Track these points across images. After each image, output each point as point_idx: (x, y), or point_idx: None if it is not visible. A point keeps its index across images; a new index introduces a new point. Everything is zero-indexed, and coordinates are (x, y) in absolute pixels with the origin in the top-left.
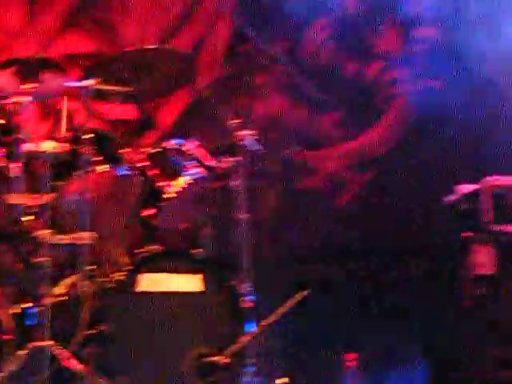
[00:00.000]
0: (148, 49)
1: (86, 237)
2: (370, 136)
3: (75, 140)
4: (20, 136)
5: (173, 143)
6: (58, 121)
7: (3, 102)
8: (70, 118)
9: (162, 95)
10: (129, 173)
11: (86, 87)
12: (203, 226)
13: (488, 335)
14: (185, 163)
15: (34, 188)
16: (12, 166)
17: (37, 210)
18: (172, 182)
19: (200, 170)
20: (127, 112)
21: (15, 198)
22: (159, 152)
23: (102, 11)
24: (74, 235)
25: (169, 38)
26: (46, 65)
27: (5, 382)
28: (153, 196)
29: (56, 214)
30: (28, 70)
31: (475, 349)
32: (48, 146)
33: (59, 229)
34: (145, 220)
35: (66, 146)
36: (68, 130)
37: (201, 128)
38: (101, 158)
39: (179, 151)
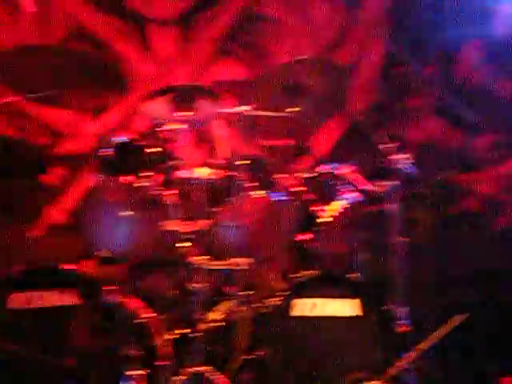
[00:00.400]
0: (301, 60)
1: (241, 262)
2: None
3: (230, 166)
4: (175, 163)
5: (328, 168)
6: (212, 147)
7: (159, 129)
8: (224, 144)
9: (317, 119)
10: (284, 198)
11: (240, 113)
12: (359, 250)
13: None
14: (340, 187)
15: (189, 214)
16: (167, 193)
17: (192, 236)
18: (327, 207)
19: (355, 194)
20: (282, 137)
21: (171, 225)
22: (314, 177)
23: (255, 37)
24: (230, 261)
25: None
26: (200, 92)
27: None
28: (308, 221)
29: (211, 240)
30: (182, 97)
31: None
32: (203, 172)
33: (215, 255)
34: (300, 245)
35: (221, 173)
36: (223, 156)
37: (355, 152)
38: (256, 183)
39: (334, 176)
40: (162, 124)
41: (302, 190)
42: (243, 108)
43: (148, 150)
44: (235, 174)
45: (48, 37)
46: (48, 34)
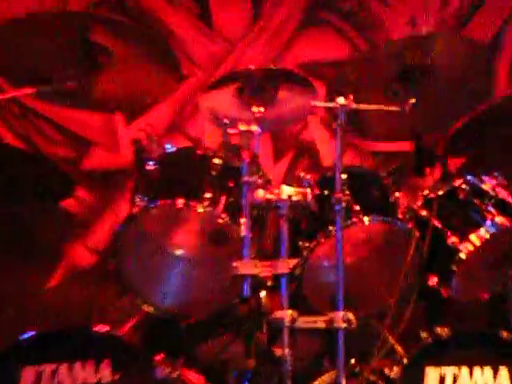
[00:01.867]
0: (424, 35)
1: (343, 318)
2: None
3: (324, 183)
4: (248, 179)
5: (468, 181)
6: (298, 157)
7: (224, 132)
8: (315, 152)
9: (449, 114)
10: (402, 226)
11: (338, 108)
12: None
13: None
14: (483, 209)
15: (267, 252)
16: (241, 221)
17: (273, 282)
18: (466, 237)
19: (504, 218)
20: (398, 140)
21: (244, 267)
22: (447, 195)
23: (360, 2)
24: (327, 316)
25: None
26: (278, 79)
27: None
28: (439, 256)
29: (302, 287)
30: (255, 86)
31: None
32: (286, 192)
33: (306, 307)
34: (428, 290)
35: (312, 192)
36: (312, 169)
37: (501, 161)
38: (361, 206)
39: (475, 192)
40: (228, 125)
41: (430, 213)
42: (342, 100)
43: (213, 162)
44: (332, 193)
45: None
46: None
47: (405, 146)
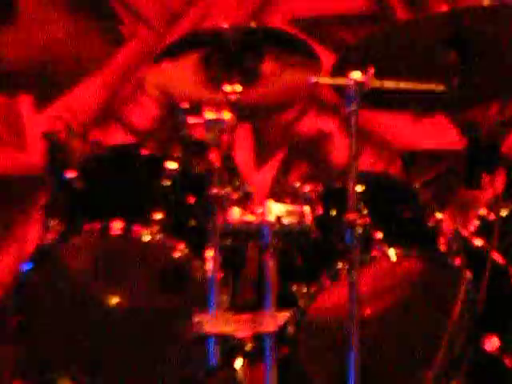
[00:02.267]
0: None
1: None
2: None
3: (329, 198)
4: (218, 193)
5: None
6: (291, 159)
7: (182, 123)
8: (316, 152)
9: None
10: (447, 263)
11: (353, 87)
12: None
13: None
14: None
15: (246, 301)
16: (207, 254)
17: (254, 346)
18: None
19: None
20: (439, 137)
21: (211, 324)
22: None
23: None
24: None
25: None
26: (263, 43)
27: None
28: (501, 307)
29: (298, 354)
30: (228, 55)
31: None
32: (274, 211)
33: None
34: (485, 359)
35: (312, 211)
36: (313, 177)
37: None
38: (385, 233)
39: None
40: (192, 111)
41: (489, 243)
42: (358, 75)
43: (166, 166)
44: (351, 214)
45: None
46: None
47: (451, 142)
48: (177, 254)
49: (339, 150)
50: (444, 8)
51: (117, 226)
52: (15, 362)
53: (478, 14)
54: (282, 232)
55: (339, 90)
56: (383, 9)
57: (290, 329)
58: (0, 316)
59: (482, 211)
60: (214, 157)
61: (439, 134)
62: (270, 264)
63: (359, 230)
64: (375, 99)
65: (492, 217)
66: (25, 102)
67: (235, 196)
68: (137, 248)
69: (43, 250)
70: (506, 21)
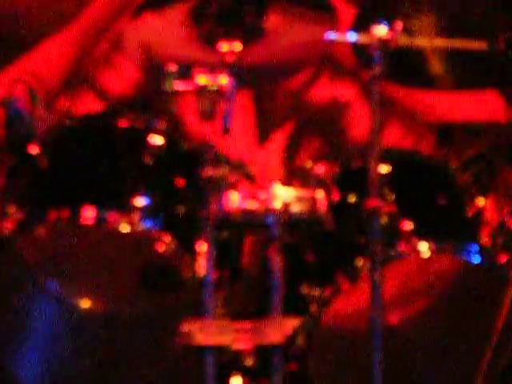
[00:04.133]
0: None
1: None
2: None
3: (347, 180)
4: (212, 174)
5: None
6: (301, 133)
7: (169, 89)
8: (331, 125)
9: None
10: (490, 261)
11: (377, 45)
12: None
13: None
14: None
15: (246, 305)
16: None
17: (256, 360)
18: None
19: None
20: (481, 107)
21: (204, 333)
22: None
23: None
24: None
25: None
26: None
27: None
28: None
29: (309, 369)
30: (223, 6)
31: None
32: (281, 196)
33: None
34: None
35: (326, 197)
36: (328, 155)
37: None
38: (415, 224)
39: None
40: (181, 75)
41: None
42: (382, 31)
43: (149, 141)
44: (373, 200)
45: None
46: None
47: (493, 112)
48: (162, 248)
49: (359, 123)
50: None
51: (88, 214)
52: None
53: None
54: (291, 222)
55: (359, 49)
56: None
57: (300, 340)
58: None
59: None
60: (208, 130)
61: (482, 105)
62: (276, 261)
63: (384, 220)
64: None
65: None
66: None
67: (233, 178)
68: (113, 240)
69: (0, 243)
70: None
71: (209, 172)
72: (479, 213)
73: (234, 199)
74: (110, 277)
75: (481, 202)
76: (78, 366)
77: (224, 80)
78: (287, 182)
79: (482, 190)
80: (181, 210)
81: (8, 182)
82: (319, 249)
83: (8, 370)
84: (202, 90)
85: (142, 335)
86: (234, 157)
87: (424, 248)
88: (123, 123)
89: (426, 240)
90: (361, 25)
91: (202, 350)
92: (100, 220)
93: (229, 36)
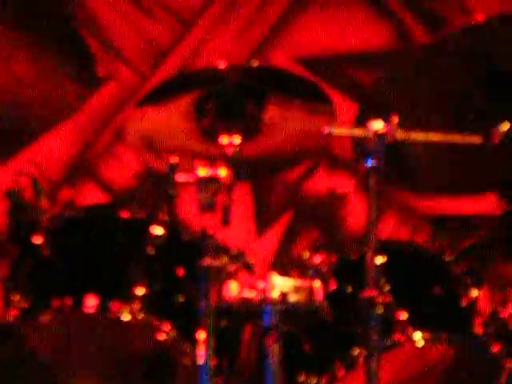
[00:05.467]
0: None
1: None
2: None
3: (344, 271)
4: (211, 264)
5: None
6: (298, 225)
7: (169, 181)
8: (329, 217)
9: None
10: (484, 349)
11: (374, 139)
12: None
13: None
14: None
15: None
16: (198, 336)
17: None
18: None
19: None
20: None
21: None
22: None
23: None
24: None
25: None
26: (265, 85)
27: None
28: None
29: None
30: (225, 99)
31: None
32: (279, 286)
33: None
34: None
35: (323, 287)
36: (325, 246)
37: None
38: (410, 313)
39: None
40: (181, 167)
41: None
42: (379, 126)
43: (150, 232)
44: (370, 290)
45: None
46: None
47: (487, 205)
48: (162, 337)
49: (356, 215)
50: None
51: (91, 303)
52: None
53: None
54: (288, 312)
55: (357, 142)
56: (405, 40)
57: None
58: None
59: None
60: (208, 221)
61: (473, 196)
62: (273, 350)
63: (380, 310)
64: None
65: None
66: None
67: (232, 268)
68: (115, 329)
69: (4, 330)
70: None
71: (208, 262)
72: (473, 303)
73: (233, 288)
74: (111, 364)
75: (474, 292)
76: None
77: (224, 172)
78: (285, 272)
79: (476, 280)
80: (180, 299)
81: (12, 271)
82: (316, 338)
83: None
84: (202, 182)
85: None
86: (232, 247)
87: (418, 337)
88: (125, 214)
89: (421, 329)
90: (361, 120)
91: None
92: (102, 308)
93: (228, 129)
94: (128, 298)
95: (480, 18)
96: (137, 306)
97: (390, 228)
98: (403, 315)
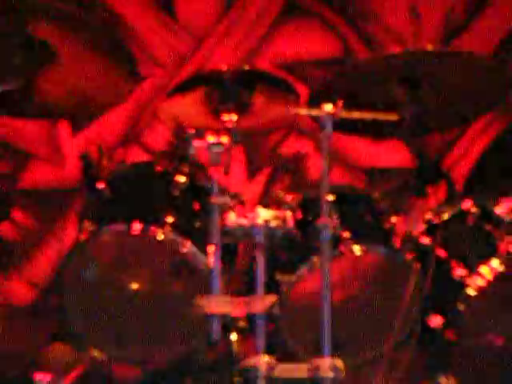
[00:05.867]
0: (429, 53)
1: (329, 366)
2: None
3: (307, 205)
4: (217, 201)
5: (476, 202)
6: (276, 174)
7: (189, 145)
8: (296, 168)
9: (452, 126)
10: (400, 257)
11: (325, 117)
12: None
13: None
14: (496, 237)
15: (240, 287)
16: (209, 250)
17: (246, 323)
18: (475, 269)
19: None
20: (394, 156)
21: (212, 305)
22: (453, 219)
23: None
24: (311, 363)
25: (455, 35)
26: (254, 81)
27: None
28: (443, 292)
29: (281, 329)
30: (226, 90)
31: None
32: (263, 216)
33: (286, 353)
34: (430, 333)
35: (293, 216)
36: (294, 188)
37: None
38: (351, 233)
39: (486, 216)
40: (197, 136)
41: (433, 242)
42: (329, 108)
43: (176, 180)
44: (314, 217)
45: None
46: None
47: (403, 161)
48: (185, 250)
49: (314, 167)
50: (396, 49)
51: (137, 227)
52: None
53: (427, 56)
54: (269, 233)
55: (315, 118)
56: (347, 50)
57: (275, 310)
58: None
59: (428, 215)
60: (215, 172)
61: (395, 155)
62: (260, 258)
63: (330, 231)
64: (344, 126)
65: (436, 220)
66: (64, 128)
67: (231, 203)
68: (153, 245)
69: (78, 246)
70: (450, 63)
71: (215, 199)
72: (393, 226)
73: (232, 217)
74: (150, 268)
75: (394, 219)
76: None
77: (225, 139)
78: (267, 206)
79: (395, 211)
80: (197, 224)
81: (84, 206)
82: (288, 250)
83: None
84: (211, 146)
85: (171, 307)
86: (231, 189)
87: (356, 249)
88: (159, 168)
89: (358, 244)
90: (315, 102)
91: (211, 316)
92: (144, 231)
93: (228, 110)
94: (161, 223)
95: (396, 49)
96: (167, 229)
97: (337, 176)
98: (346, 234)
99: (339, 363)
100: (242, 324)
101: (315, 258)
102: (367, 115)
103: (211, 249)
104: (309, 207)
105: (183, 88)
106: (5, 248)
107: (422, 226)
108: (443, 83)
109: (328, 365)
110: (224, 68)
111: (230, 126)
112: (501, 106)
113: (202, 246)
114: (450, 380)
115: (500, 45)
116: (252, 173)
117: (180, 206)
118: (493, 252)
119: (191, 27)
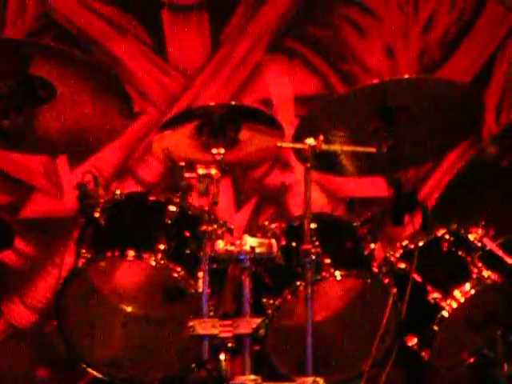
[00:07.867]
0: (407, 80)
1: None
2: None
3: (291, 233)
4: (207, 229)
5: (450, 230)
6: (262, 204)
7: (180, 177)
8: (281, 199)
9: (427, 159)
10: (378, 281)
11: (307, 149)
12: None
13: None
14: (469, 262)
15: (228, 310)
16: (199, 275)
17: (234, 343)
18: (449, 293)
19: (492, 272)
20: (373, 187)
21: (202, 327)
22: (428, 245)
23: (334, 32)
24: (295, 382)
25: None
26: (241, 117)
27: None
28: (419, 314)
29: (267, 349)
30: (215, 125)
31: None
32: (249, 243)
33: (271, 372)
34: (407, 353)
35: (277, 243)
36: (278, 217)
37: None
38: (332, 259)
39: (459, 243)
40: (188, 168)
41: (409, 267)
42: (311, 141)
43: (168, 209)
44: (300, 244)
45: None
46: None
47: (381, 191)
48: (176, 275)
49: (297, 197)
50: (374, 81)
51: (131, 254)
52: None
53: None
54: (255, 259)
55: (298, 151)
56: (328, 88)
57: (261, 331)
58: (44, 322)
59: (405, 242)
60: (204, 202)
61: (373, 185)
62: (246, 282)
63: (313, 257)
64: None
65: (412, 246)
66: (62, 162)
67: (220, 231)
68: (146, 270)
69: (75, 272)
70: (425, 92)
71: (205, 227)
72: (372, 252)
73: (220, 244)
74: (143, 292)
75: (372, 245)
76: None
77: (214, 171)
78: (253, 234)
79: (373, 238)
80: (187, 251)
81: (81, 234)
82: (273, 275)
83: None
84: (200, 177)
85: (164, 328)
86: (220, 218)
87: (337, 274)
88: (152, 198)
89: (339, 269)
90: (299, 135)
91: (201, 337)
92: (137, 257)
93: (217, 144)
94: (154, 250)
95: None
96: (160, 255)
97: (319, 205)
98: (327, 260)
99: (321, 382)
100: (230, 344)
101: (298, 283)
102: (347, 148)
103: (201, 274)
104: (292, 235)
105: (174, 123)
106: (7, 274)
107: (399, 252)
108: (418, 114)
109: (311, 383)
110: (213, 104)
111: (218, 158)
112: (472, 137)
113: (192, 272)
114: None
115: (474, 80)
116: (239, 203)
117: (172, 234)
118: (466, 276)
119: (182, 67)
